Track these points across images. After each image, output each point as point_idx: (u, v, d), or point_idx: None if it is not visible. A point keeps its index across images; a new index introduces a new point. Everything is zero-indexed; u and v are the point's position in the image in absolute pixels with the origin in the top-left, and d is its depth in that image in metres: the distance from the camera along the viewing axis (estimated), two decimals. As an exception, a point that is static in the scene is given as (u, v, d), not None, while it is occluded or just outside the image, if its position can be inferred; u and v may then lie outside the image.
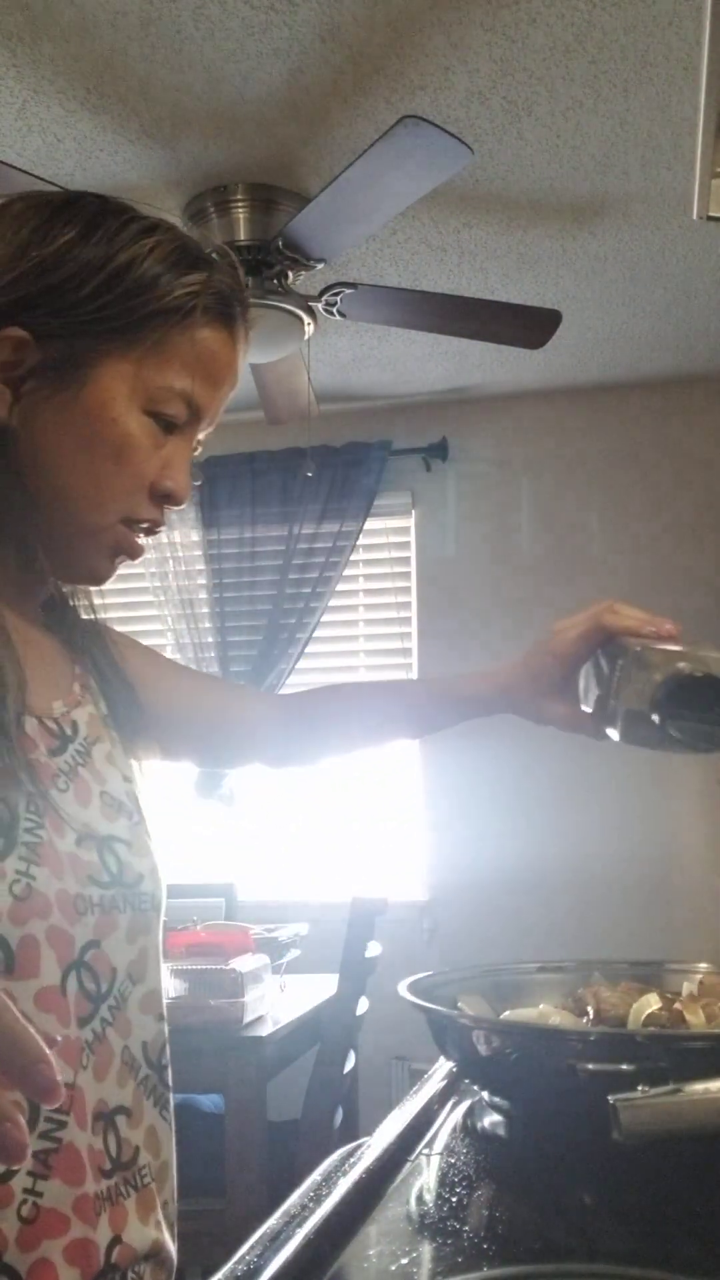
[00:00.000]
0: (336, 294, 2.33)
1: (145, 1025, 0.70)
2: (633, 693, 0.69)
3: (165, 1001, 0.73)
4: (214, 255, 0.71)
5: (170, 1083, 0.72)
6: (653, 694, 0.66)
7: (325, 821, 3.29)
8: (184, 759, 0.87)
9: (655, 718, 0.66)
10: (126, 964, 0.68)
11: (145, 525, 0.71)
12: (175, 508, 0.72)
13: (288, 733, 0.87)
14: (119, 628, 0.83)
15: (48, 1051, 0.42)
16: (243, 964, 1.99)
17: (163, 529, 0.72)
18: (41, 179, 1.91)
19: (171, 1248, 0.70)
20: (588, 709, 0.75)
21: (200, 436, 0.73)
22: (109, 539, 0.70)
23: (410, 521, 3.39)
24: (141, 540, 0.71)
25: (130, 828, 0.71)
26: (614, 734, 0.72)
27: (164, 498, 0.70)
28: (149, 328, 0.67)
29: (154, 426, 0.69)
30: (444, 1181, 0.68)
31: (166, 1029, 0.72)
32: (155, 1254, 0.67)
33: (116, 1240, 0.64)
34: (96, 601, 0.79)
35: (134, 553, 0.71)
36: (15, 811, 0.62)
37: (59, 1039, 0.62)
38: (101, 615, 0.80)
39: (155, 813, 0.75)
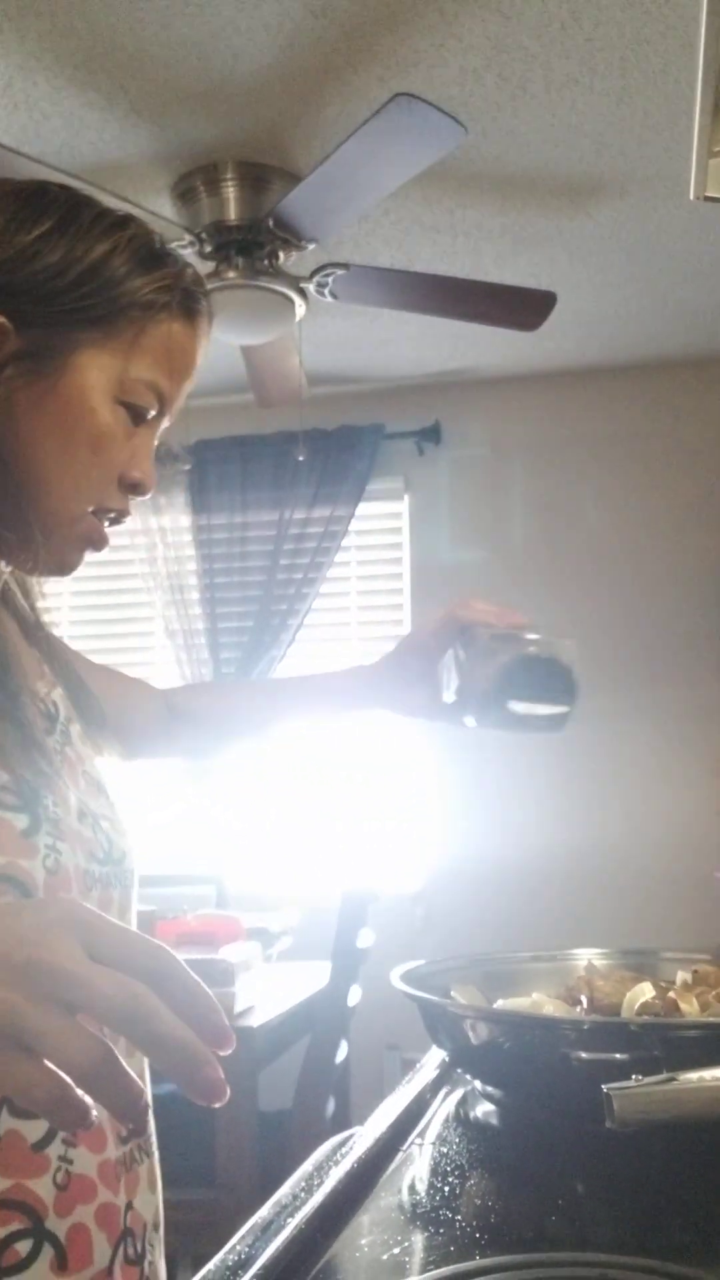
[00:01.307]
0: (328, 275, 2.31)
1: None
2: (482, 676, 0.76)
3: None
4: (175, 251, 0.73)
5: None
6: (497, 675, 0.74)
7: (318, 810, 3.29)
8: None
9: (500, 697, 0.73)
10: None
11: (113, 515, 0.73)
12: (141, 498, 0.74)
13: (169, 728, 0.92)
14: (108, 614, 0.84)
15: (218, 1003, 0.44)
16: (233, 953, 1.99)
17: (126, 520, 0.74)
18: (28, 156, 1.88)
19: (162, 1219, 0.73)
20: (450, 699, 0.82)
21: (161, 429, 0.75)
22: (81, 529, 0.71)
23: (403, 506, 3.38)
24: (108, 531, 0.73)
25: (109, 805, 0.73)
26: (470, 720, 0.79)
27: (132, 488, 0.72)
28: (125, 320, 0.68)
29: (126, 417, 0.70)
30: (436, 1171, 0.68)
31: None
32: (158, 1223, 0.70)
33: (129, 1206, 0.66)
34: (79, 588, 0.79)
35: (101, 543, 0.73)
36: (36, 789, 0.64)
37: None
38: (92, 600, 0.81)
39: (123, 792, 0.77)
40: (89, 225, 0.68)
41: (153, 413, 0.71)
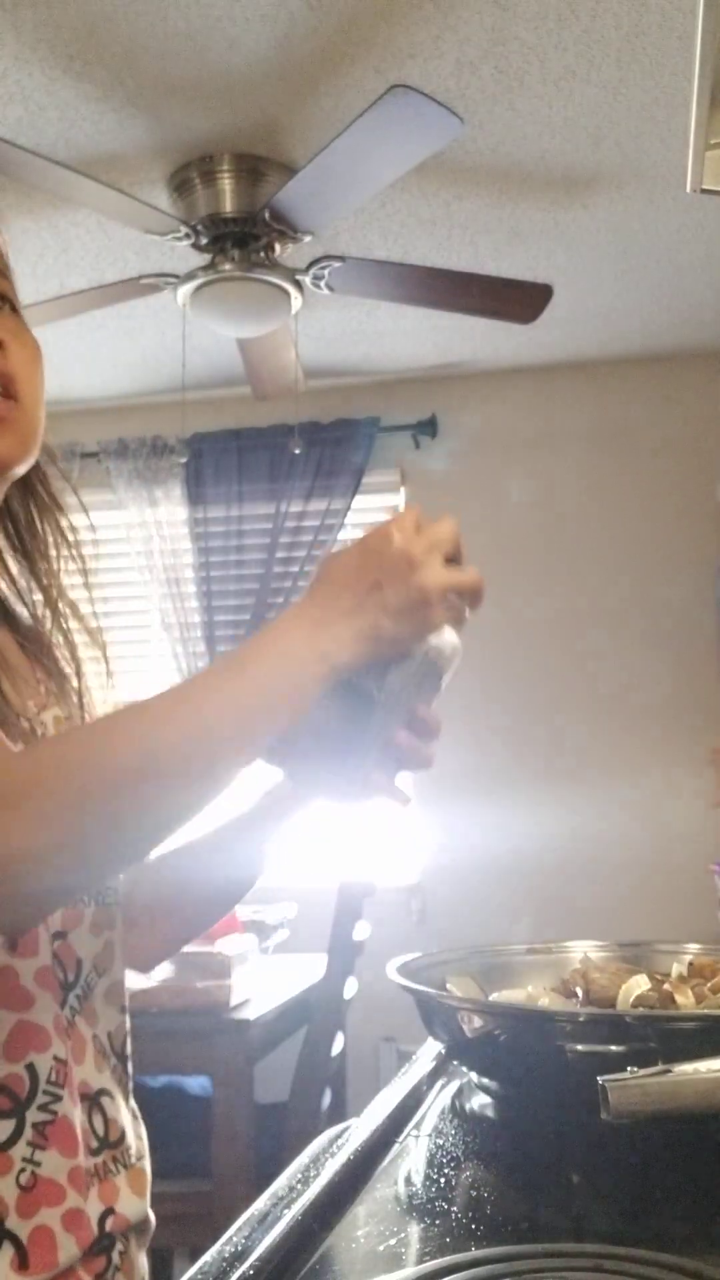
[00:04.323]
0: (324, 267, 2.31)
1: (110, 1016, 0.72)
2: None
3: (128, 994, 0.75)
4: None
5: (131, 1073, 0.75)
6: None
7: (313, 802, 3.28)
8: None
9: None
10: (92, 956, 0.71)
11: None
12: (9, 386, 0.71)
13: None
14: (105, 606, 0.83)
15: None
16: (229, 946, 1.99)
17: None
18: (23, 149, 1.87)
19: (153, 1223, 0.73)
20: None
21: None
22: None
23: (399, 499, 3.37)
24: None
25: None
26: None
27: None
28: None
29: None
30: (432, 1162, 0.69)
31: (129, 1021, 0.75)
32: (144, 1225, 0.70)
33: (109, 1211, 0.66)
34: (75, 580, 0.79)
35: None
36: None
37: (54, 1014, 0.66)
38: (85, 593, 0.80)
39: None
40: None
41: None
